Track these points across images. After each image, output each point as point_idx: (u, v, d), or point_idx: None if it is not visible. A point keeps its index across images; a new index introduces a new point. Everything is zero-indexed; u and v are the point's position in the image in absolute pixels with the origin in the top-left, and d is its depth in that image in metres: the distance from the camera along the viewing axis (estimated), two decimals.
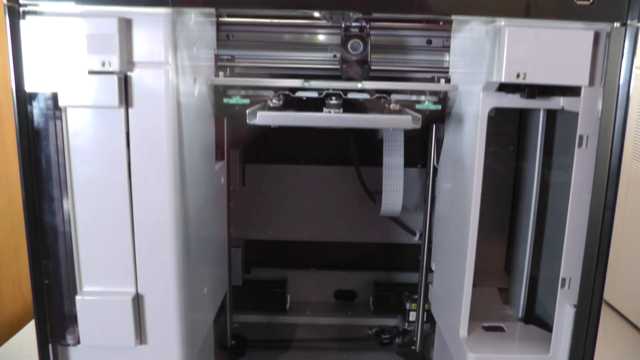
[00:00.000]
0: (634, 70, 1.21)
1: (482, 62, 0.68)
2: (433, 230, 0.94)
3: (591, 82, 0.63)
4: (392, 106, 0.69)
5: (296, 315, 1.15)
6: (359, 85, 0.72)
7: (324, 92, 0.74)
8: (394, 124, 0.71)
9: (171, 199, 0.66)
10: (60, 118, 0.64)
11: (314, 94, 0.74)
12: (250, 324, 1.13)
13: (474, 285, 0.80)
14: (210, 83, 0.75)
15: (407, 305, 1.08)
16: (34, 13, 0.61)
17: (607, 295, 1.30)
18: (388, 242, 1.14)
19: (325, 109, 0.71)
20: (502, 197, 0.86)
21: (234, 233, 1.10)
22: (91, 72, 0.62)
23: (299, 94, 0.76)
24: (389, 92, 0.75)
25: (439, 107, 0.75)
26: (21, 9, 0.61)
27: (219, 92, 0.76)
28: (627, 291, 1.24)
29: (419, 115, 0.68)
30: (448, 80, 0.82)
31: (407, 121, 0.66)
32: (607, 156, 0.64)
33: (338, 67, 0.87)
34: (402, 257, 1.15)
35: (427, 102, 0.73)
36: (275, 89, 0.75)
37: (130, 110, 0.64)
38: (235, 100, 0.73)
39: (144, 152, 0.65)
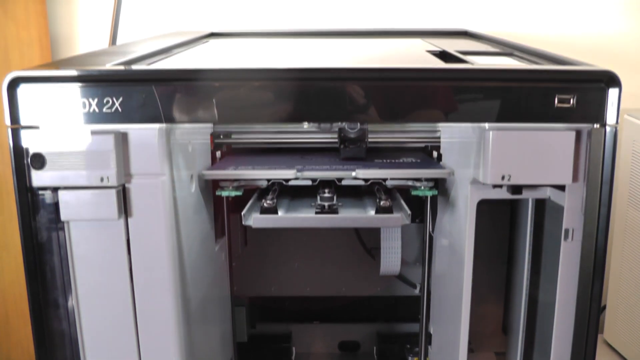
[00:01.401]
0: (625, 117, 1.23)
1: (469, 150, 0.70)
2: (432, 288, 0.96)
3: (575, 178, 0.65)
4: (382, 203, 0.71)
5: None
6: (353, 174, 0.74)
7: (318, 180, 0.76)
8: (384, 224, 0.74)
9: (172, 297, 0.69)
10: (63, 229, 0.66)
11: (308, 182, 0.76)
12: None
13: (471, 350, 0.82)
14: (202, 177, 0.77)
15: (409, 359, 1.10)
16: (33, 130, 0.63)
17: (607, 337, 1.31)
18: (389, 295, 1.16)
19: (319, 200, 0.73)
20: (498, 257, 0.88)
21: (238, 291, 1.12)
22: (90, 187, 0.64)
23: (293, 181, 0.78)
24: (384, 178, 0.77)
25: (435, 192, 0.77)
26: (22, 131, 0.63)
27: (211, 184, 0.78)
28: (627, 334, 1.26)
29: (409, 212, 0.70)
30: (440, 156, 0.84)
31: (398, 220, 0.69)
32: (592, 250, 0.65)
33: (334, 137, 0.89)
34: (403, 309, 1.17)
35: (422, 187, 0.75)
36: (268, 179, 0.77)
37: (129, 219, 0.66)
38: (228, 192, 0.76)
39: (144, 257, 0.67)
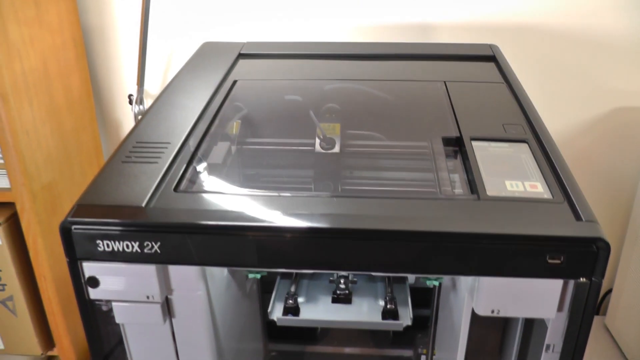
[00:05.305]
0: None
1: None
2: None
3: (559, 310, 0.73)
4: (389, 306, 0.81)
5: None
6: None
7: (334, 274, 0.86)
8: (388, 327, 0.84)
9: None
10: (118, 325, 0.81)
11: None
12: None
13: None
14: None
15: None
16: (87, 260, 0.74)
17: (607, 322, 1.44)
18: None
19: (336, 288, 0.84)
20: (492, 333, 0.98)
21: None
22: (138, 302, 0.76)
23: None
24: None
25: (442, 280, 0.86)
26: (78, 261, 0.74)
27: None
28: (626, 322, 1.37)
29: (410, 316, 0.80)
30: None
31: (400, 326, 0.80)
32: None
33: None
34: (411, 335, 1.30)
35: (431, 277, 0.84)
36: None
37: (173, 320, 0.79)
38: (254, 275, 0.86)
39: (188, 347, 0.82)
